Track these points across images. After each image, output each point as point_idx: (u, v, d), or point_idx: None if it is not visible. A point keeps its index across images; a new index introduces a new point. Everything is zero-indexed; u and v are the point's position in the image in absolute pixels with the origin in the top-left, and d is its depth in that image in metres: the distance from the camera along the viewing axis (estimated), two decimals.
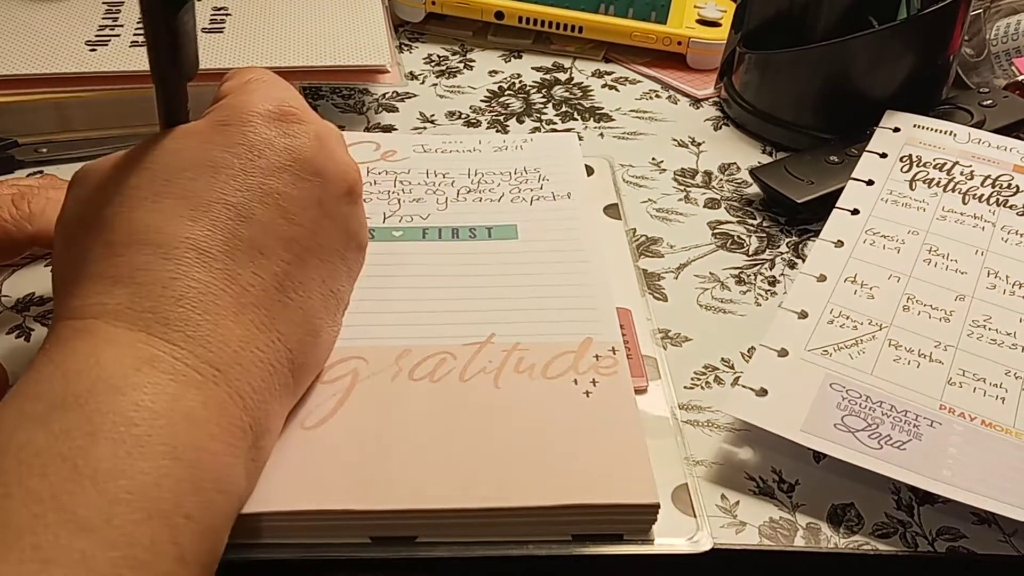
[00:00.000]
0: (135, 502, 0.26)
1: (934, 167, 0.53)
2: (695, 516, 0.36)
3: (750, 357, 0.43)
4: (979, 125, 0.58)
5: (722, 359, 0.44)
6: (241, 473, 0.30)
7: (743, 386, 0.40)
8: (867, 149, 0.54)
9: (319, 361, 0.36)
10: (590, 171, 0.54)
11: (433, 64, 0.69)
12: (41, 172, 0.54)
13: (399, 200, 0.49)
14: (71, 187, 0.35)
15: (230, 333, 0.31)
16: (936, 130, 0.56)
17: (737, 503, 0.38)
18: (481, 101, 0.64)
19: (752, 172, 0.55)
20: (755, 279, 0.50)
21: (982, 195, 0.51)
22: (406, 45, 0.71)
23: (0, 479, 0.25)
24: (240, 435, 0.30)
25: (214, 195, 0.32)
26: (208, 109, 0.36)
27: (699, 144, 0.61)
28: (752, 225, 0.53)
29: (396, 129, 0.60)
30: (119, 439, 0.26)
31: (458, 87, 0.66)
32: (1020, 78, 0.63)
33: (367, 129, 0.60)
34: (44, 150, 0.55)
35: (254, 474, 0.32)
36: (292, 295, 0.33)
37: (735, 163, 0.59)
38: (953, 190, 0.51)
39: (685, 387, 0.43)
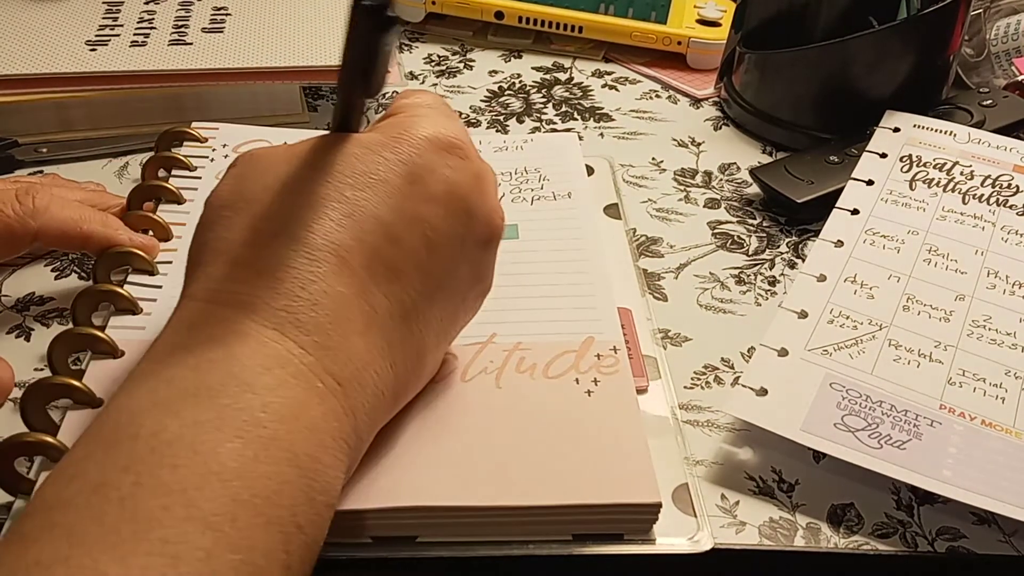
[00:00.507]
0: (258, 506, 0.25)
1: (934, 167, 0.53)
2: (695, 516, 0.36)
3: (750, 357, 0.43)
4: (979, 125, 0.58)
5: (722, 359, 0.44)
6: (340, 489, 0.30)
7: (743, 386, 0.40)
8: (867, 149, 0.54)
9: (411, 395, 0.35)
10: (590, 171, 0.54)
11: (433, 64, 0.69)
12: (41, 172, 0.54)
13: None
14: (233, 166, 0.34)
15: (355, 349, 0.30)
16: (936, 130, 0.56)
17: (737, 503, 0.38)
18: (481, 101, 0.64)
19: (752, 172, 0.55)
20: (755, 279, 0.50)
21: (982, 195, 0.51)
22: (406, 45, 0.71)
23: (133, 466, 0.25)
24: (346, 451, 0.30)
25: (368, 208, 0.31)
26: (378, 122, 0.36)
27: (699, 144, 0.61)
28: (752, 225, 0.53)
29: None
30: (248, 439, 0.26)
31: (458, 87, 0.66)
32: (1020, 78, 0.63)
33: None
34: (44, 150, 0.55)
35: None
36: (413, 326, 0.33)
37: (735, 163, 0.59)
38: (953, 190, 0.51)
39: (685, 387, 0.43)
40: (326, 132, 0.34)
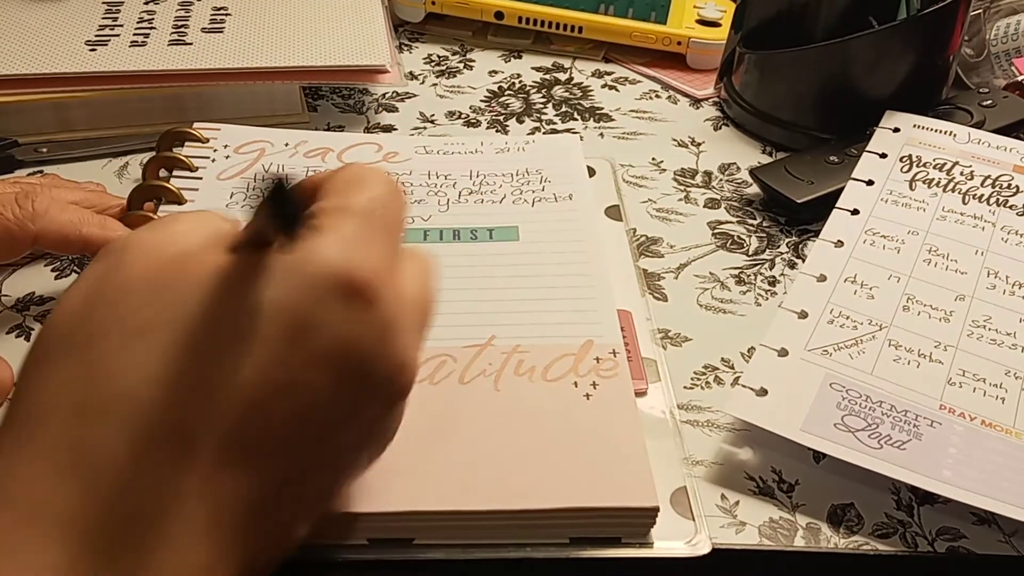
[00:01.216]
0: None
1: (934, 167, 0.53)
2: (694, 519, 0.36)
3: (750, 357, 0.43)
4: (979, 125, 0.58)
5: (722, 359, 0.44)
6: None
7: (743, 386, 0.40)
8: (867, 149, 0.54)
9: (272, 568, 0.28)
10: (592, 172, 0.54)
11: (433, 64, 0.69)
12: (41, 172, 0.54)
13: None
14: (107, 257, 0.27)
15: (187, 561, 0.24)
16: (936, 130, 0.56)
17: (737, 503, 0.38)
18: (481, 101, 0.64)
19: (752, 172, 0.55)
20: (755, 279, 0.50)
21: (982, 195, 0.51)
22: (406, 45, 0.71)
23: None
24: None
25: (228, 374, 0.24)
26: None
27: (699, 144, 0.61)
28: (752, 225, 0.53)
29: (396, 129, 0.60)
30: None
31: (458, 87, 0.66)
32: (1020, 78, 0.63)
33: (367, 129, 0.60)
34: (44, 150, 0.55)
35: None
36: (276, 512, 0.26)
37: (735, 163, 0.59)
38: (953, 190, 0.51)
39: (685, 387, 0.43)
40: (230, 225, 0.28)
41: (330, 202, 0.28)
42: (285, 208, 0.25)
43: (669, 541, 0.35)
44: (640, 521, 0.34)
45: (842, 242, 0.48)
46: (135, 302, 0.25)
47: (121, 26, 0.59)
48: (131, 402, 0.24)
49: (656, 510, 0.34)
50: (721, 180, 0.57)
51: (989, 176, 0.52)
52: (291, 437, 0.26)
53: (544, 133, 0.61)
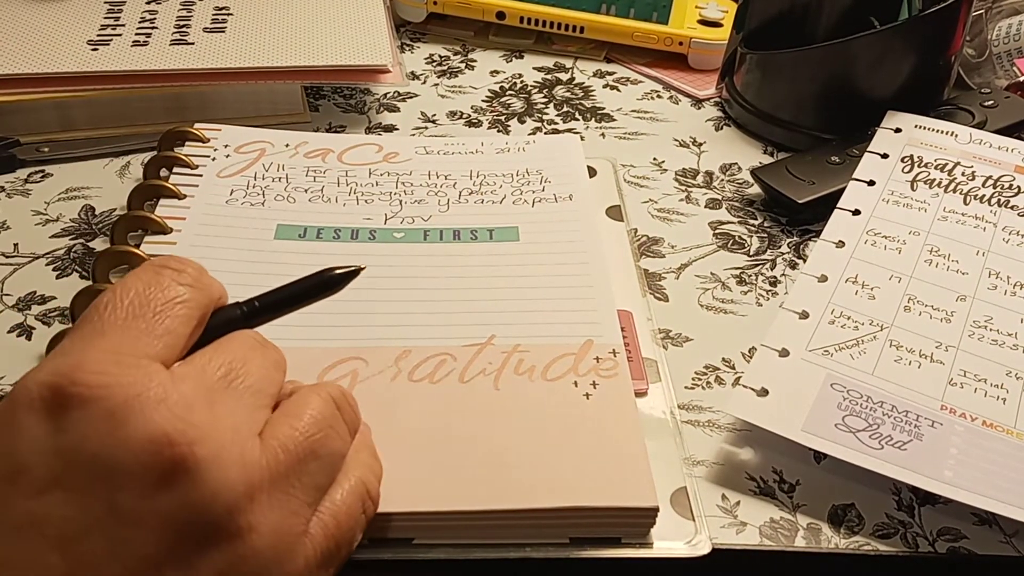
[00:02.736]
0: None
1: (935, 168, 0.53)
2: (694, 519, 0.36)
3: (751, 357, 0.43)
4: (980, 126, 0.57)
5: (723, 359, 0.44)
6: None
7: (744, 386, 0.40)
8: (868, 150, 0.54)
9: None
10: (593, 172, 0.54)
11: (434, 64, 0.69)
12: (43, 171, 0.54)
13: (401, 201, 0.49)
14: None
15: None
16: (937, 131, 0.56)
17: (738, 503, 0.38)
18: (482, 101, 0.64)
19: (753, 172, 0.55)
20: (756, 279, 0.50)
21: (983, 196, 0.51)
22: (407, 45, 0.71)
23: None
24: None
25: None
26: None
27: (700, 144, 0.61)
28: (753, 225, 0.53)
29: (397, 129, 0.60)
30: None
31: (459, 87, 0.66)
32: (1022, 79, 0.63)
33: (368, 129, 0.60)
34: (46, 149, 0.55)
35: None
36: None
37: (736, 163, 0.59)
38: (954, 191, 0.51)
39: (686, 387, 0.43)
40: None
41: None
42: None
43: (669, 541, 0.35)
44: (640, 521, 0.34)
45: (843, 242, 0.48)
46: None
47: (123, 26, 0.59)
48: None
49: (656, 510, 0.34)
50: (722, 180, 0.57)
51: (990, 176, 0.52)
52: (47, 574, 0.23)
53: (545, 133, 0.61)
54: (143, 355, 0.25)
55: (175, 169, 0.50)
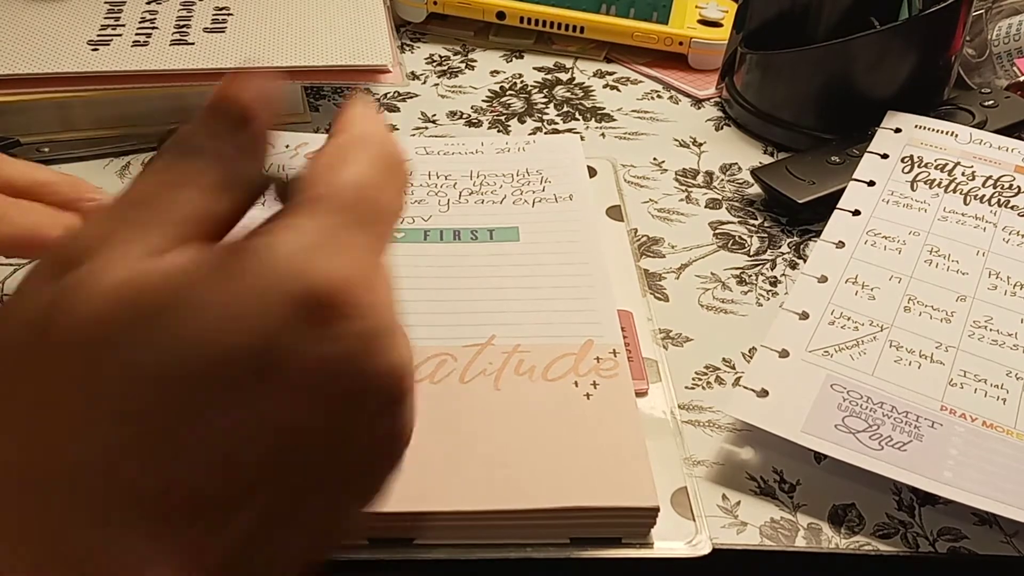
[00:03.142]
0: None
1: (935, 168, 0.53)
2: (694, 519, 0.36)
3: (751, 357, 0.43)
4: (981, 126, 0.57)
5: (723, 359, 0.44)
6: None
7: (744, 387, 0.40)
8: (868, 150, 0.54)
9: None
10: (593, 172, 0.54)
11: (434, 64, 0.69)
12: None
13: None
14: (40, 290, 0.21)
15: None
16: (937, 131, 0.56)
17: (738, 503, 0.38)
18: (483, 101, 0.64)
19: (753, 172, 0.55)
20: (756, 279, 0.50)
21: (983, 196, 0.51)
22: (407, 45, 0.71)
23: None
24: None
25: (183, 426, 0.20)
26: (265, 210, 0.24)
27: (700, 144, 0.61)
28: (753, 225, 0.53)
29: (398, 129, 0.60)
30: None
31: (459, 87, 0.66)
32: (1022, 79, 0.63)
33: None
34: (46, 149, 0.55)
35: None
36: (264, 551, 0.22)
37: (736, 163, 0.59)
38: (954, 191, 0.51)
39: (686, 387, 0.43)
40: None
41: (307, 190, 0.23)
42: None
43: (669, 541, 0.35)
44: (640, 521, 0.34)
45: (843, 243, 0.48)
46: (81, 356, 0.20)
47: (123, 26, 0.59)
48: (80, 470, 0.20)
49: (656, 510, 0.34)
50: (722, 180, 0.57)
51: (991, 177, 0.52)
52: (268, 479, 0.22)
53: (546, 133, 0.61)
54: (377, 266, 0.23)
55: None
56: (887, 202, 0.51)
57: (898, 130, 0.56)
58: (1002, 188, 0.51)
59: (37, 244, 0.37)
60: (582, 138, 0.59)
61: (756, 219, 0.54)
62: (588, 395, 0.38)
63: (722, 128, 0.63)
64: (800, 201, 0.52)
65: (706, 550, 0.35)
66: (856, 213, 0.50)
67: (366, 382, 0.22)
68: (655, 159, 0.59)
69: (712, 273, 0.50)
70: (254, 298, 0.20)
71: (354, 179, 0.23)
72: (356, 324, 0.21)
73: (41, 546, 0.20)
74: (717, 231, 0.53)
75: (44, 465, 0.20)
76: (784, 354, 0.42)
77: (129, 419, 0.20)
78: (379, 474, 0.25)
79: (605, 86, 0.67)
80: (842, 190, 0.52)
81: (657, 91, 0.67)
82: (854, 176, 0.52)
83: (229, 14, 0.61)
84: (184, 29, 0.59)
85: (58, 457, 0.20)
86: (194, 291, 0.20)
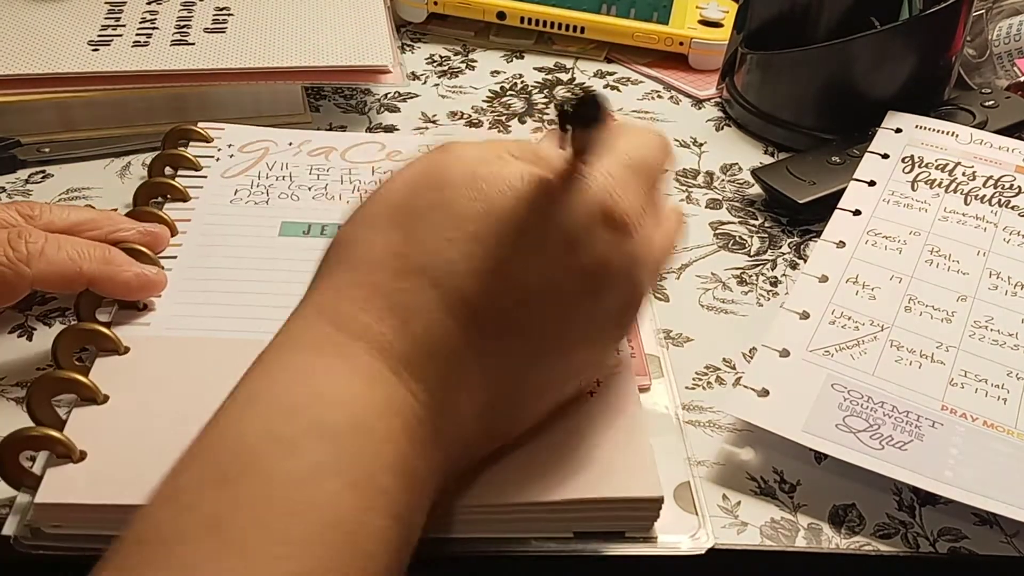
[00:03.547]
0: (365, 562, 0.25)
1: (936, 168, 0.53)
2: (697, 514, 0.36)
3: (752, 357, 0.43)
4: (981, 126, 0.58)
5: (724, 359, 0.44)
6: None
7: (745, 386, 0.40)
8: (869, 150, 0.54)
9: (490, 448, 0.34)
10: None
11: (435, 64, 0.69)
12: (43, 172, 0.54)
13: None
14: (423, 160, 0.32)
15: (460, 407, 0.30)
16: (938, 131, 0.56)
17: (738, 503, 0.38)
18: (483, 101, 0.64)
19: (754, 172, 0.55)
20: (757, 279, 0.50)
21: (984, 196, 0.51)
22: (408, 45, 0.71)
23: (251, 508, 0.24)
24: (428, 508, 0.30)
25: (516, 270, 0.30)
26: (577, 151, 0.32)
27: (701, 144, 0.61)
28: (754, 225, 0.53)
29: (398, 129, 0.60)
30: (363, 491, 0.26)
31: (460, 87, 0.66)
32: (1022, 79, 0.63)
33: (369, 129, 0.60)
34: (47, 150, 0.55)
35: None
36: (520, 386, 0.32)
37: (737, 163, 0.59)
38: (955, 191, 0.51)
39: (687, 387, 0.43)
40: (516, 140, 0.33)
41: (605, 145, 0.33)
42: (588, 114, 0.30)
43: (673, 535, 0.35)
44: (644, 514, 0.34)
45: (844, 243, 0.48)
46: (454, 193, 0.30)
47: (124, 26, 0.59)
48: (442, 269, 0.29)
49: (660, 500, 0.34)
50: (723, 180, 0.57)
51: (991, 177, 0.52)
52: (546, 325, 0.31)
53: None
54: (650, 216, 0.34)
55: (180, 171, 0.50)
56: (888, 202, 0.51)
57: (899, 130, 0.56)
58: (1003, 188, 0.51)
59: (72, 277, 0.40)
60: None
61: (756, 219, 0.54)
62: (591, 392, 0.38)
63: (723, 128, 0.63)
64: (801, 201, 0.52)
65: (709, 544, 0.35)
66: (857, 213, 0.50)
67: (617, 289, 0.32)
68: None
69: (712, 273, 0.50)
70: (583, 205, 0.31)
71: (632, 145, 0.34)
72: (628, 244, 0.32)
73: (400, 317, 0.29)
74: (718, 231, 0.53)
75: (418, 257, 0.30)
76: (785, 354, 0.42)
77: (480, 241, 0.30)
78: (594, 356, 0.35)
79: (606, 86, 0.67)
80: (842, 190, 0.52)
81: (657, 91, 0.67)
82: (855, 176, 0.53)
83: (229, 14, 0.61)
84: (184, 29, 0.59)
85: (435, 256, 0.30)
86: (550, 191, 0.31)
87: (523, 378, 0.32)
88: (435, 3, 0.71)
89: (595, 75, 0.68)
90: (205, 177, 0.50)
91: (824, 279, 0.46)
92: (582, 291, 0.31)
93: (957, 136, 0.55)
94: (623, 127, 0.35)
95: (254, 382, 0.28)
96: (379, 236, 0.31)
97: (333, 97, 0.63)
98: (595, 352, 0.34)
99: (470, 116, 0.62)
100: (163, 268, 0.43)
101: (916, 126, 0.56)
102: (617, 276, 0.32)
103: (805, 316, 0.44)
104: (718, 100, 0.65)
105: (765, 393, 0.40)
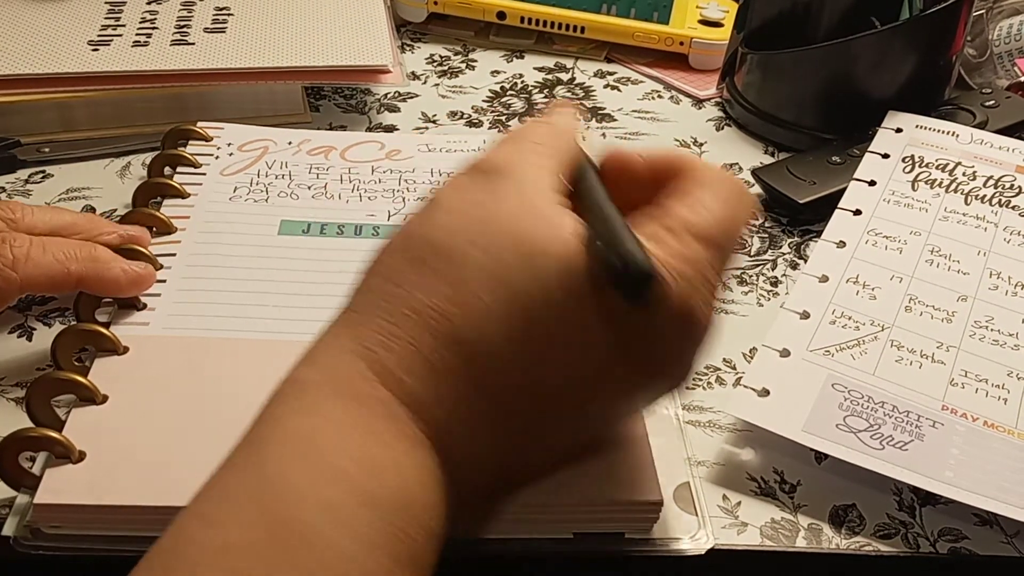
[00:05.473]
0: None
1: (936, 168, 0.53)
2: (697, 514, 0.36)
3: (752, 357, 0.43)
4: (981, 126, 0.57)
5: (724, 359, 0.44)
6: None
7: (745, 386, 0.40)
8: (869, 150, 0.54)
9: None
10: None
11: (435, 64, 0.69)
12: (43, 172, 0.54)
13: (404, 198, 0.49)
14: (477, 180, 0.30)
15: (478, 456, 0.29)
16: (938, 131, 0.56)
17: (739, 504, 0.38)
18: (483, 101, 0.64)
19: (754, 172, 0.55)
20: (757, 279, 0.50)
21: (984, 196, 0.51)
22: (408, 45, 0.71)
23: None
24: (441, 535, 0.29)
25: (563, 353, 0.28)
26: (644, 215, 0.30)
27: (701, 144, 0.61)
28: (754, 226, 0.53)
29: (398, 129, 0.60)
30: (403, 561, 0.25)
31: (460, 87, 0.66)
32: (1023, 79, 0.63)
33: (369, 129, 0.60)
34: (47, 150, 0.55)
35: None
36: (542, 468, 0.31)
37: (737, 163, 0.59)
38: (955, 191, 0.51)
39: (687, 387, 0.43)
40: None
41: (678, 214, 0.30)
42: (629, 280, 0.27)
43: (673, 535, 0.35)
44: (644, 516, 0.34)
45: (844, 242, 0.48)
46: (496, 252, 0.28)
47: (123, 26, 0.59)
48: (483, 349, 0.28)
49: (660, 503, 0.34)
50: None
51: (991, 177, 0.52)
52: (587, 407, 0.30)
53: None
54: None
55: (179, 169, 0.50)
56: (888, 202, 0.51)
57: (899, 130, 0.56)
58: (1003, 188, 0.51)
59: (60, 279, 0.39)
60: (583, 138, 0.59)
61: (757, 219, 0.54)
62: None
63: (723, 128, 0.63)
64: (801, 201, 0.52)
65: (709, 544, 0.35)
66: (857, 213, 0.50)
67: (676, 372, 0.30)
68: None
69: None
70: (659, 309, 0.28)
71: (726, 219, 0.30)
72: (697, 333, 0.29)
73: (435, 376, 0.28)
74: None
75: (461, 325, 0.28)
76: (785, 354, 0.42)
77: (527, 327, 0.28)
78: (637, 411, 0.34)
79: (606, 86, 0.67)
80: (843, 190, 0.52)
81: (658, 91, 0.67)
82: (855, 176, 0.52)
83: (229, 14, 0.61)
84: (184, 29, 0.59)
85: (475, 328, 0.28)
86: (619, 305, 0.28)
87: (547, 450, 0.31)
88: (435, 3, 0.71)
89: (595, 75, 0.68)
90: (204, 175, 0.50)
91: (824, 279, 0.46)
92: (634, 387, 0.30)
93: (957, 136, 0.55)
94: (709, 180, 0.31)
95: (292, 419, 0.27)
96: (420, 281, 0.28)
97: (333, 97, 0.63)
98: (624, 419, 0.34)
99: (470, 116, 0.62)
100: (160, 265, 0.43)
101: (916, 126, 0.56)
102: (673, 367, 0.30)
103: (805, 316, 0.44)
104: (718, 100, 0.65)
105: (765, 393, 0.40)
